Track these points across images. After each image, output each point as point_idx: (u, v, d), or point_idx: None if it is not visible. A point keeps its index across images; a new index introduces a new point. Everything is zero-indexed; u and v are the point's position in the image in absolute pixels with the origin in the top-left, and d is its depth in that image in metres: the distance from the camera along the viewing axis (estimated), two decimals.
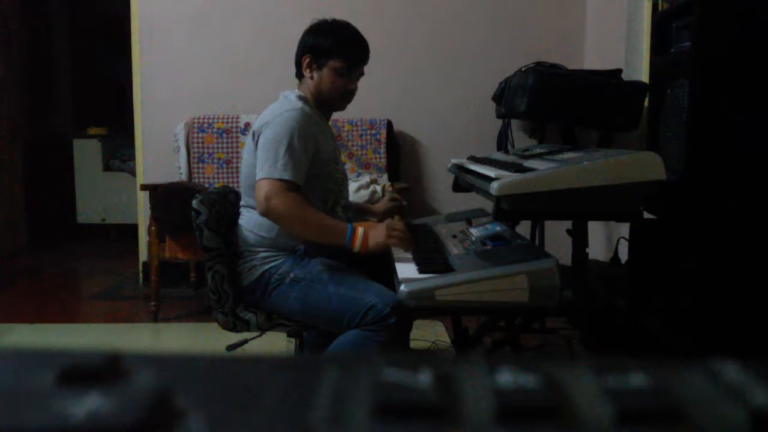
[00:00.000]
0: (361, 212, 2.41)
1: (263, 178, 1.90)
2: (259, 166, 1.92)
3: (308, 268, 1.97)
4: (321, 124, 2.09)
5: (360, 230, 1.89)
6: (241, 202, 2.12)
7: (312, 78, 2.08)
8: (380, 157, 3.88)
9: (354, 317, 1.86)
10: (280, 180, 1.89)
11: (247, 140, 2.08)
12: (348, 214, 2.20)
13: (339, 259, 1.99)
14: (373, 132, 3.87)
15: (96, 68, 6.31)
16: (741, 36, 1.78)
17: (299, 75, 2.12)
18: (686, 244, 1.85)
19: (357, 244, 1.88)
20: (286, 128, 1.94)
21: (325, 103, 2.13)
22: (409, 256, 1.91)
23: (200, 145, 3.83)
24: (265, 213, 1.90)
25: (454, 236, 2.07)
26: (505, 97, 3.13)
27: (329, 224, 1.92)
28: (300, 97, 2.07)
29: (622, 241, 2.64)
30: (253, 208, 1.99)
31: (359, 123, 3.85)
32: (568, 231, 1.97)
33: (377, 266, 2.00)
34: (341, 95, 2.10)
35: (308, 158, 1.97)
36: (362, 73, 2.13)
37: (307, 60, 2.08)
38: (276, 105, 2.07)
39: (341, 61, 2.06)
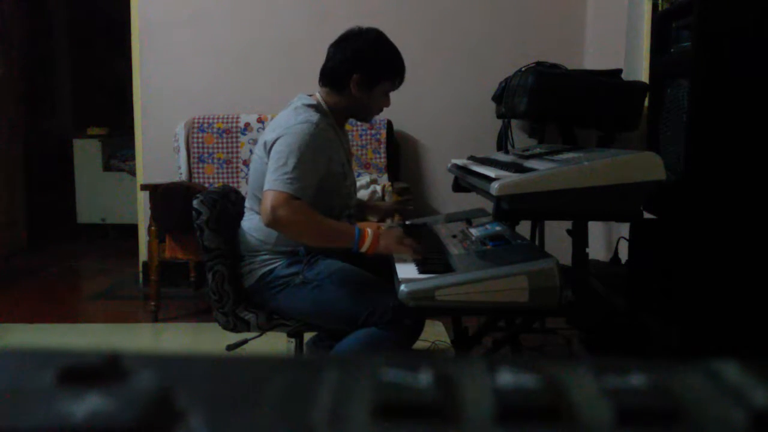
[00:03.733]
0: (361, 209, 2.41)
1: (270, 189, 1.88)
2: (267, 177, 1.90)
3: (318, 269, 1.97)
4: (334, 137, 2.05)
5: (369, 231, 1.87)
6: (246, 204, 2.11)
7: (358, 94, 2.04)
8: (380, 157, 3.87)
9: (368, 316, 1.86)
10: (286, 192, 1.87)
11: (257, 148, 2.05)
12: (351, 218, 2.19)
13: (341, 260, 1.99)
14: (373, 132, 3.86)
15: (96, 68, 6.31)
16: (741, 36, 1.78)
17: (334, 85, 2.06)
18: (686, 244, 1.85)
19: (366, 244, 1.86)
20: (298, 142, 1.91)
21: (357, 116, 2.14)
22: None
23: (200, 145, 3.83)
24: (271, 223, 1.87)
25: (454, 236, 2.07)
26: (505, 97, 3.12)
27: (337, 228, 1.92)
28: (317, 108, 2.03)
29: (622, 241, 2.64)
30: (258, 213, 1.98)
31: (359, 123, 3.85)
32: (568, 231, 1.97)
33: (377, 266, 2.00)
34: (379, 112, 2.15)
35: (317, 174, 1.95)
36: None
37: (359, 78, 2.03)
38: (290, 113, 2.01)
39: (393, 83, 2.09)
